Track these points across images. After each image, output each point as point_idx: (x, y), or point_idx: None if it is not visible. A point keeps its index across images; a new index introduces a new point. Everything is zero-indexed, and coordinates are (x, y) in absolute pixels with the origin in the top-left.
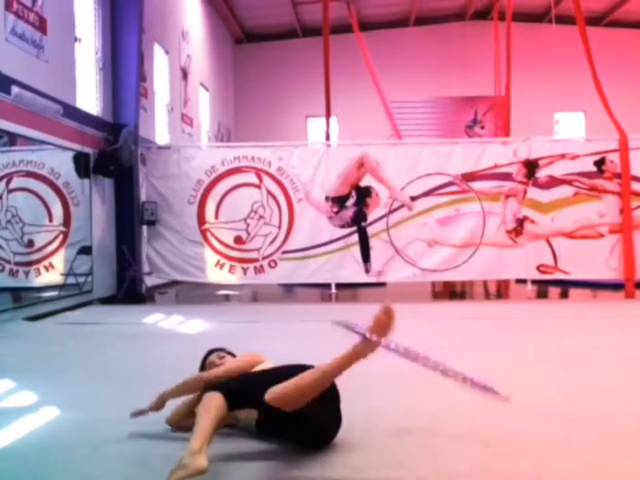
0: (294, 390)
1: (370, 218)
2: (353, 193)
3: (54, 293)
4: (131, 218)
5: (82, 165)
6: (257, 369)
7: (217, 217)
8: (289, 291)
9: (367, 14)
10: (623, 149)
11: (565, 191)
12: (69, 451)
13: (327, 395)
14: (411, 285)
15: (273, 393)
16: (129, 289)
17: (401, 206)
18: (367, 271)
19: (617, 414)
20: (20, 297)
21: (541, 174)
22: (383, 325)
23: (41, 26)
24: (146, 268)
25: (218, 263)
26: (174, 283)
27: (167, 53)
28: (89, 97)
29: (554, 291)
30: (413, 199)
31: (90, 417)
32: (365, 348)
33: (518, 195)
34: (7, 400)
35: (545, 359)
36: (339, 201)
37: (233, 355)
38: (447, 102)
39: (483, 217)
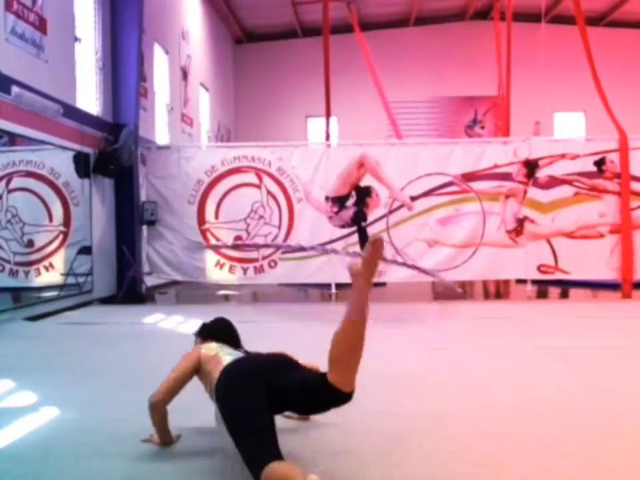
0: (357, 364)
1: (370, 218)
2: (353, 193)
3: (54, 293)
4: (131, 218)
5: (82, 165)
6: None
7: (217, 217)
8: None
9: (367, 14)
10: (623, 148)
11: (565, 190)
12: (69, 451)
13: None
14: (411, 285)
15: (342, 380)
16: (129, 289)
17: (401, 206)
18: None
19: (617, 414)
20: (20, 296)
21: (541, 174)
22: (372, 258)
23: (41, 26)
24: (146, 268)
25: (218, 262)
26: (174, 282)
27: (167, 53)
28: (89, 97)
29: (554, 290)
30: (413, 199)
31: (90, 417)
32: (358, 278)
33: (518, 195)
34: (7, 400)
35: (545, 359)
36: (339, 201)
37: (232, 340)
38: (447, 102)
39: (483, 217)
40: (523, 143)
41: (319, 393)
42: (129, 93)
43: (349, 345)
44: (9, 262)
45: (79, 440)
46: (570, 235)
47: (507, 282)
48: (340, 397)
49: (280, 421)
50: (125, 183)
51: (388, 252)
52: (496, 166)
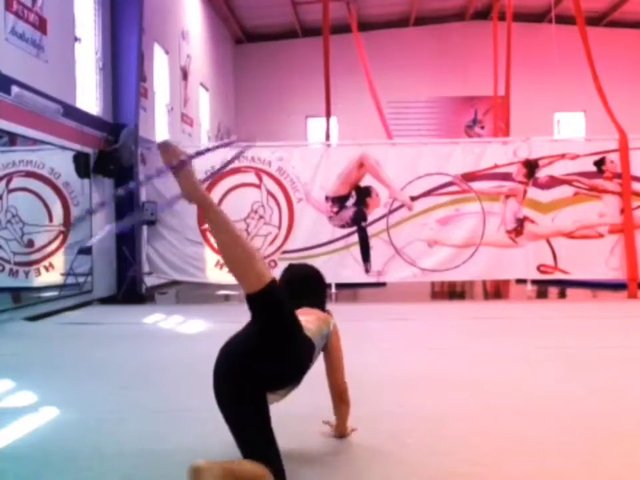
0: (249, 254)
1: (370, 218)
2: (353, 193)
3: (54, 293)
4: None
5: (82, 165)
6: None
7: None
8: None
9: (367, 14)
10: (623, 148)
11: (564, 191)
12: (69, 451)
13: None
14: (411, 285)
15: (252, 281)
16: (129, 289)
17: (401, 206)
18: (367, 271)
19: (617, 414)
20: (20, 297)
21: (541, 174)
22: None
23: (41, 26)
24: (146, 268)
25: (218, 263)
26: (174, 282)
27: (166, 53)
28: (89, 97)
29: (554, 291)
30: (413, 198)
31: (90, 417)
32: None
33: (518, 195)
34: (7, 400)
35: (545, 359)
36: (339, 201)
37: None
38: (447, 102)
39: (483, 217)
40: (523, 143)
41: (258, 313)
42: (129, 92)
43: (230, 246)
44: (8, 262)
45: (79, 440)
46: (570, 235)
47: (506, 282)
48: (262, 295)
49: (283, 420)
50: (125, 182)
51: (388, 252)
52: (496, 166)
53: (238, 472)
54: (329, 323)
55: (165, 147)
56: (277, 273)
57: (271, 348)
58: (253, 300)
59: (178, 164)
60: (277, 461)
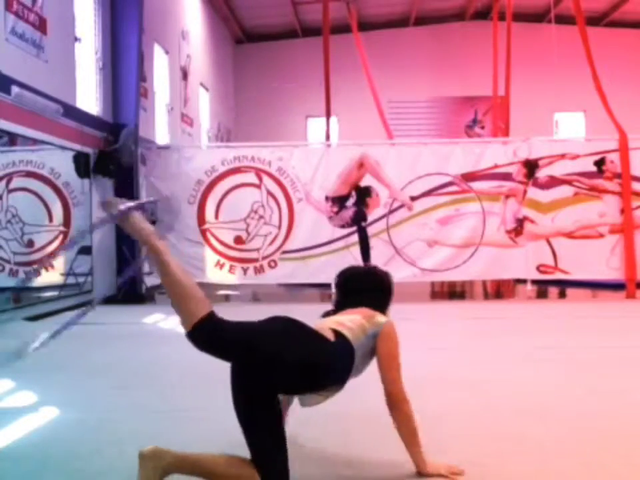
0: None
1: (370, 218)
2: (353, 193)
3: (54, 293)
4: None
5: (82, 165)
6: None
7: (216, 217)
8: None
9: (367, 14)
10: (623, 148)
11: (564, 191)
12: (69, 451)
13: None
14: (411, 284)
15: (193, 314)
16: (129, 289)
17: (401, 206)
18: None
19: (617, 414)
20: (20, 297)
21: (541, 174)
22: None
23: (41, 26)
24: (146, 268)
25: (218, 263)
26: None
27: (166, 53)
28: (89, 97)
29: (554, 291)
30: (413, 199)
31: (90, 417)
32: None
33: (518, 195)
34: (7, 400)
35: (545, 359)
36: (339, 201)
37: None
38: (447, 102)
39: (483, 217)
40: (523, 143)
41: (205, 343)
42: (129, 92)
43: (170, 286)
44: (8, 262)
45: (79, 440)
46: (570, 235)
47: (507, 282)
48: (192, 334)
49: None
50: (125, 182)
51: (388, 252)
52: (496, 166)
53: (198, 463)
54: (375, 321)
55: (105, 204)
56: (276, 274)
57: (263, 362)
58: (191, 340)
59: (118, 214)
60: (281, 467)
